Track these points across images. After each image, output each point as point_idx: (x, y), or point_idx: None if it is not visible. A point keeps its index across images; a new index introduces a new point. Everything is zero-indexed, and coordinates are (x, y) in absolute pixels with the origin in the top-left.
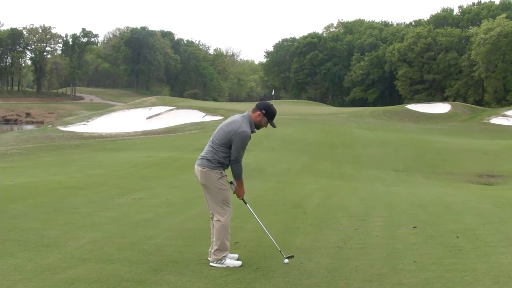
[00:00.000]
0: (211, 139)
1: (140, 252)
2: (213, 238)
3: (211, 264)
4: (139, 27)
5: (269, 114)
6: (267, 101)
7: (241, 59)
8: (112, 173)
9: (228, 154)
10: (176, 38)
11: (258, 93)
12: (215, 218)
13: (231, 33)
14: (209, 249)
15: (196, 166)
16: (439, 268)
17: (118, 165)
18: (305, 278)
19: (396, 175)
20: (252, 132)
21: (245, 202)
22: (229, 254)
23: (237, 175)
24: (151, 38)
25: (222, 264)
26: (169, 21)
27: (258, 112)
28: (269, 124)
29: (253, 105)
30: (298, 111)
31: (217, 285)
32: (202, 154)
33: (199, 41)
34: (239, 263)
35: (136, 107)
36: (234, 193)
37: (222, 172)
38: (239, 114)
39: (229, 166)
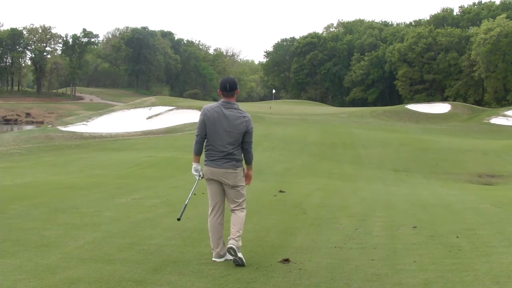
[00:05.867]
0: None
1: (140, 252)
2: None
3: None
4: (139, 27)
5: (220, 87)
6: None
7: (241, 59)
8: (112, 173)
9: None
10: (176, 38)
11: (258, 93)
12: None
13: (231, 33)
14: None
15: None
16: (439, 268)
17: (118, 165)
18: (305, 278)
19: (396, 175)
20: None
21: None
22: (214, 252)
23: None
24: (152, 38)
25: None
26: (169, 21)
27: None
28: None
29: (253, 105)
30: (298, 111)
31: (217, 285)
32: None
33: (199, 41)
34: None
35: (136, 107)
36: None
37: (204, 165)
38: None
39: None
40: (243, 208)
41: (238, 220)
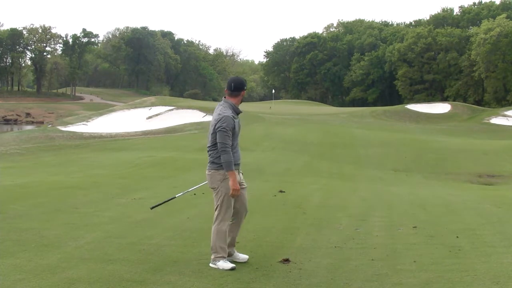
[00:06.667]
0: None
1: (140, 252)
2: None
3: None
4: (139, 27)
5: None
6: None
7: (241, 59)
8: (112, 173)
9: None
10: (176, 38)
11: (258, 93)
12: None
13: (231, 33)
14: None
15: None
16: (439, 268)
17: (118, 165)
18: (305, 278)
19: (396, 175)
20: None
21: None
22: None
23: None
24: (152, 38)
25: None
26: (169, 21)
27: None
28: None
29: (253, 105)
30: (298, 111)
31: (217, 285)
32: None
33: (199, 41)
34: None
35: (136, 107)
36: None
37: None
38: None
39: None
40: (218, 217)
41: (212, 232)
